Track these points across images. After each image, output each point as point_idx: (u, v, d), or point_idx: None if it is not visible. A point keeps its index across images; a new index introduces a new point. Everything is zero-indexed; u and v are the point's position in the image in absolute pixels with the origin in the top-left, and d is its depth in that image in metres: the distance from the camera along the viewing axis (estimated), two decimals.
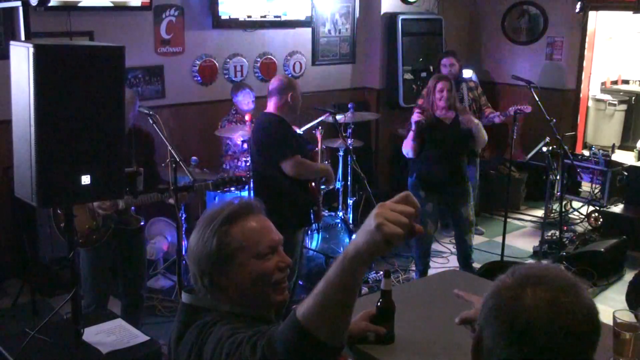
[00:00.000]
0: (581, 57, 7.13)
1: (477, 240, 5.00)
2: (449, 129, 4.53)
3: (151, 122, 3.57)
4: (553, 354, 1.15)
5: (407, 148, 4.55)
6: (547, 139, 5.82)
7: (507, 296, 1.18)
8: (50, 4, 4.33)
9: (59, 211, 3.22)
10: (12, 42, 2.33)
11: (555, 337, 1.14)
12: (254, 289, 1.61)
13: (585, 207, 6.43)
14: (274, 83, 4.02)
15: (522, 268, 1.24)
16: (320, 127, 4.82)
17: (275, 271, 1.64)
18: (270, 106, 4.00)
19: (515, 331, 1.16)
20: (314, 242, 4.88)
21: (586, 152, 7.06)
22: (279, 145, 3.88)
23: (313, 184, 4.15)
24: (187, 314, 1.65)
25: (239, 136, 5.01)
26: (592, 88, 7.85)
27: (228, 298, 1.61)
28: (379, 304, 2.07)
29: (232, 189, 4.74)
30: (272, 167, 3.91)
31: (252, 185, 4.24)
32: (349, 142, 5.01)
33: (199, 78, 5.76)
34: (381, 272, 4.73)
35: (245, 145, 4.96)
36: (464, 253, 4.84)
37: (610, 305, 4.45)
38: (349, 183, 5.19)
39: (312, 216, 4.13)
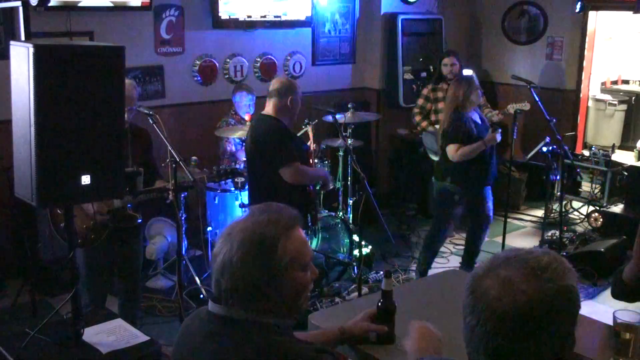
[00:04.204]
0: (581, 57, 7.13)
1: None
2: (486, 130, 4.60)
3: (151, 122, 3.57)
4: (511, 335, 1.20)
5: (464, 157, 4.55)
6: (547, 139, 5.81)
7: (475, 296, 1.28)
8: (50, 4, 4.35)
9: (58, 211, 3.21)
10: (12, 42, 2.32)
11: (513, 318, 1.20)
12: (296, 300, 1.62)
13: (585, 207, 6.42)
14: (275, 84, 3.97)
15: (491, 269, 1.29)
16: (311, 123, 4.76)
17: (311, 282, 1.67)
18: (269, 108, 3.97)
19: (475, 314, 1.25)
20: (314, 242, 4.87)
21: (586, 152, 7.05)
22: (279, 152, 3.84)
23: (311, 186, 4.14)
24: (219, 327, 1.59)
25: (230, 143, 5.02)
26: (592, 88, 7.84)
27: (270, 311, 1.58)
28: (379, 304, 2.07)
29: (232, 188, 4.76)
30: (270, 171, 3.88)
31: (248, 187, 4.22)
32: (349, 142, 5.01)
33: (199, 78, 5.76)
34: (382, 272, 4.73)
35: (235, 148, 4.99)
36: (475, 250, 4.85)
37: (610, 305, 4.44)
38: (349, 183, 5.19)
39: (309, 220, 4.12)
